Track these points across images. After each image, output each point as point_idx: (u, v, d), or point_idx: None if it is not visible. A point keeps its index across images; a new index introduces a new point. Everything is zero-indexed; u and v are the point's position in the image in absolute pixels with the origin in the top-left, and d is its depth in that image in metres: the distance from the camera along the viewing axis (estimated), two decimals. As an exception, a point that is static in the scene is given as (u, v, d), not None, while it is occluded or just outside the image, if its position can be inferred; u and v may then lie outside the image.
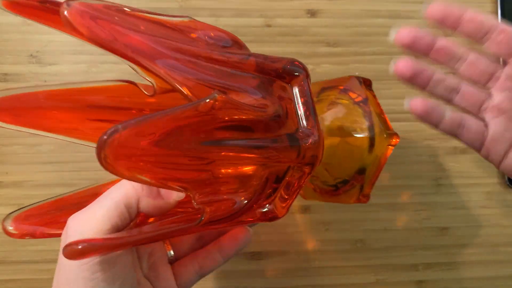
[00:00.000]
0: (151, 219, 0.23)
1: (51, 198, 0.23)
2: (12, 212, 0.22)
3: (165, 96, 0.24)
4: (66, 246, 0.19)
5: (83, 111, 0.23)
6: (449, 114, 0.25)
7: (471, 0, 0.40)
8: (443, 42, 0.25)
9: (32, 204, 0.23)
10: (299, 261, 0.38)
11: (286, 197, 0.23)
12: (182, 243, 0.27)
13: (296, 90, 0.23)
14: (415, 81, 0.25)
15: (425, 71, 0.25)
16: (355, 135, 0.30)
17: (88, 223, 0.20)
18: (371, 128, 0.30)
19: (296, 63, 0.23)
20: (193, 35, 0.22)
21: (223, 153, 0.19)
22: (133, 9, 0.20)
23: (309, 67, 0.38)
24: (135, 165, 0.16)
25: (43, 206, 0.23)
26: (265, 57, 0.23)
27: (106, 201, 0.21)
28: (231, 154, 0.19)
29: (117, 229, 0.21)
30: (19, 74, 0.37)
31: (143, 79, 0.24)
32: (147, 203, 0.22)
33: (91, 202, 0.21)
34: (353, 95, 0.31)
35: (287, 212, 0.23)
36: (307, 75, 0.24)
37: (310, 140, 0.22)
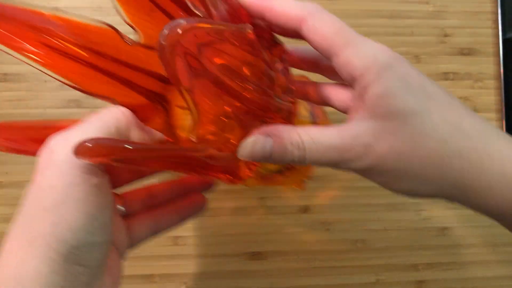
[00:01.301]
0: None
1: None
2: None
3: (144, 51, 0.23)
4: (80, 144, 0.16)
5: (42, 35, 0.20)
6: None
7: (472, 0, 0.40)
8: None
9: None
10: (299, 261, 0.38)
11: (252, 166, 0.23)
12: (133, 200, 0.26)
13: (278, 61, 0.23)
14: None
15: None
16: (300, 119, 0.31)
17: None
18: (314, 116, 0.32)
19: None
20: None
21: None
22: None
23: (309, 67, 0.39)
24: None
25: (16, 124, 0.21)
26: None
27: (97, 122, 0.19)
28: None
29: None
30: (19, 74, 0.37)
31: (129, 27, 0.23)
32: (137, 133, 0.20)
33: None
34: None
35: (247, 179, 0.23)
36: (285, 49, 0.24)
37: (289, 102, 0.22)
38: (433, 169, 0.19)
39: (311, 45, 0.20)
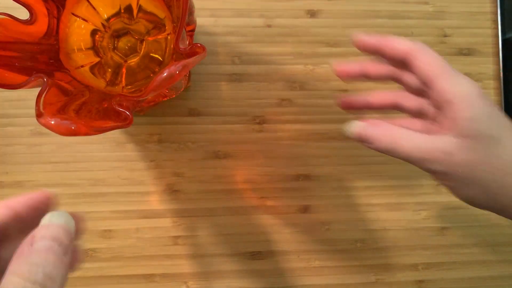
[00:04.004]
0: None
1: None
2: None
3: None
4: None
5: None
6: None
7: (471, 1, 0.40)
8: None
9: None
10: (299, 261, 0.38)
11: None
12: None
13: None
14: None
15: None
16: None
17: None
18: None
19: None
20: None
21: None
22: None
23: (309, 67, 0.39)
24: None
25: None
26: None
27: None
28: None
29: None
30: (19, 74, 0.37)
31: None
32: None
33: None
34: None
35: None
36: None
37: None
38: (497, 184, 0.23)
39: (415, 71, 0.25)
